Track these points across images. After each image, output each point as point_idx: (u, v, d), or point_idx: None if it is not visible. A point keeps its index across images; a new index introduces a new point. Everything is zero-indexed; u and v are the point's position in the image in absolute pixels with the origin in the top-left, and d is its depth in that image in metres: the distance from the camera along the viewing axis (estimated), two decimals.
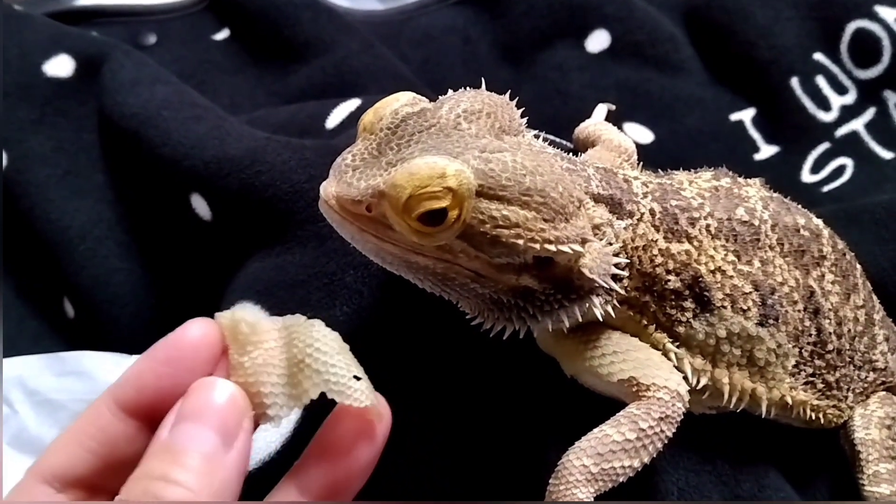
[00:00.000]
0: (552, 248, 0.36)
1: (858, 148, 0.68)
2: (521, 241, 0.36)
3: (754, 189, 0.47)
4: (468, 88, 0.40)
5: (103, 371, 0.57)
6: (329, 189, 0.36)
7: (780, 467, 0.47)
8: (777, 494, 0.45)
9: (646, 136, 0.71)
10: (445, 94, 0.40)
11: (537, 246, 0.36)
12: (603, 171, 0.41)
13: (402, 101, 0.38)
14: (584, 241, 0.38)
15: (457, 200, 0.34)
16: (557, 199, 0.37)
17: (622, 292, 0.40)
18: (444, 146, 0.36)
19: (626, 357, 0.40)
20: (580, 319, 0.39)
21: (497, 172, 0.35)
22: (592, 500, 0.37)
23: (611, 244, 0.39)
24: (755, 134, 0.71)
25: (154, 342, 0.57)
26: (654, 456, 0.39)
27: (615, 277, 0.39)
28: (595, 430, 0.39)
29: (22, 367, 0.58)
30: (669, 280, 0.41)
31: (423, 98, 0.39)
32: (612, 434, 0.38)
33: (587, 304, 0.39)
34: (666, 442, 0.39)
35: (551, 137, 0.54)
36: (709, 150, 0.70)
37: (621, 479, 0.38)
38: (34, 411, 0.57)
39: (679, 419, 0.39)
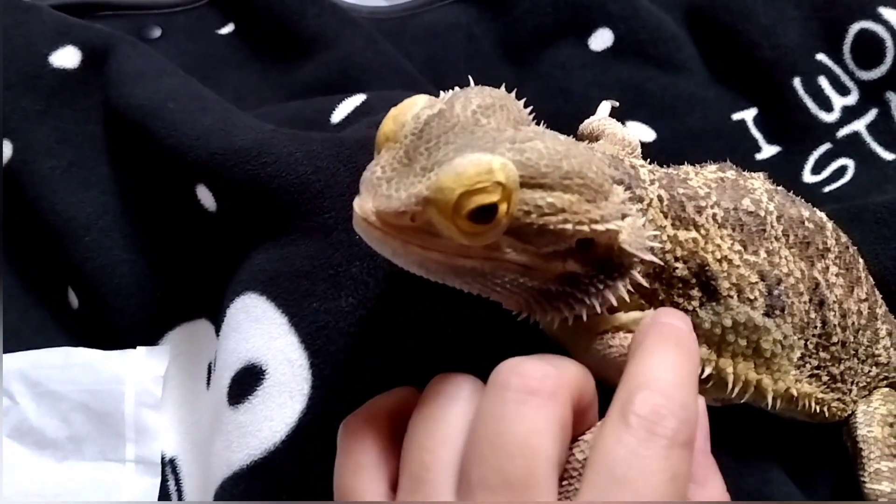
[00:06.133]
0: (600, 227, 0.36)
1: (860, 149, 0.68)
2: (568, 226, 0.35)
3: (759, 181, 0.47)
4: (472, 83, 0.40)
5: (109, 362, 0.57)
6: (366, 205, 0.35)
7: (782, 463, 0.47)
8: (780, 489, 0.45)
9: (647, 134, 0.71)
10: (449, 90, 0.39)
11: (586, 228, 0.36)
12: (610, 157, 0.42)
13: (420, 105, 0.37)
14: (623, 216, 0.38)
15: (505, 194, 0.34)
16: (595, 179, 0.36)
17: (637, 278, 0.40)
18: (475, 143, 0.35)
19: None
20: (626, 297, 0.39)
21: (534, 161, 0.35)
22: None
23: (640, 218, 0.39)
24: (757, 134, 0.71)
25: (158, 332, 0.58)
26: None
27: (650, 250, 0.39)
28: None
29: (23, 361, 0.57)
30: (677, 268, 0.41)
31: (436, 98, 0.38)
32: None
33: (629, 281, 0.39)
34: None
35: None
36: (710, 150, 0.70)
37: None
38: (35, 402, 0.57)
39: None
